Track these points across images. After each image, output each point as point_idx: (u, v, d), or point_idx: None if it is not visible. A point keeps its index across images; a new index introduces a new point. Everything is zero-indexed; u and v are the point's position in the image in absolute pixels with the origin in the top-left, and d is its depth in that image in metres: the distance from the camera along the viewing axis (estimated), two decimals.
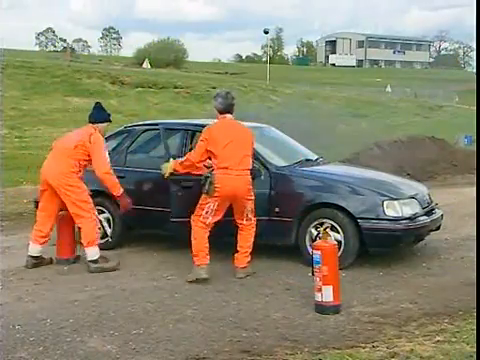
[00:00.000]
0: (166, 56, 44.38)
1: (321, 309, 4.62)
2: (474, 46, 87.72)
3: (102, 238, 6.41)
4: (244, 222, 5.59)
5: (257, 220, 5.70)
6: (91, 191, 6.06)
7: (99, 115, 6.05)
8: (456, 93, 35.90)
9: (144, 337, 4.20)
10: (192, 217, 5.52)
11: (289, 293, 5.13)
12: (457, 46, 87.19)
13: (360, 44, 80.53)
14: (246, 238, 5.62)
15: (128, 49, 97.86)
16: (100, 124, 5.97)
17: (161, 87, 25.48)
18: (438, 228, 6.36)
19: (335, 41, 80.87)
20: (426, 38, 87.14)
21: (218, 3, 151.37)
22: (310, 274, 4.89)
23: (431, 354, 3.88)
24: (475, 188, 7.00)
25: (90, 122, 5.99)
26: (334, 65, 66.63)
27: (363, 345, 4.05)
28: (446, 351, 3.91)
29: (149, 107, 22.48)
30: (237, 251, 5.61)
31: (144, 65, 38.80)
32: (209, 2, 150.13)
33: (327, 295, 4.58)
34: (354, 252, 5.76)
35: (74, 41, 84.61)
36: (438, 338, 4.16)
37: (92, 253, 5.73)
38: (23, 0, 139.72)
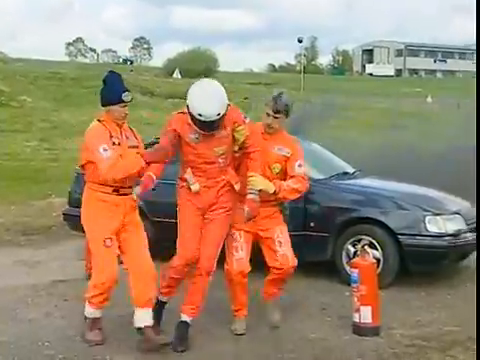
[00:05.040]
0: (197, 66, 44.41)
1: (359, 330, 4.44)
2: None
3: None
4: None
5: (291, 235, 5.50)
6: None
7: None
8: None
9: (175, 355, 4.09)
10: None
11: (325, 313, 4.94)
12: None
13: (399, 53, 79.52)
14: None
15: (159, 59, 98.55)
16: None
17: None
18: None
19: (372, 50, 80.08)
20: (470, 46, 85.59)
21: (256, 12, 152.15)
22: (347, 293, 4.71)
23: None
24: None
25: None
26: (371, 75, 65.97)
27: None
28: None
29: None
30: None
31: (175, 75, 39.06)
32: (248, 11, 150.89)
33: (365, 316, 4.41)
34: (394, 270, 5.55)
35: (103, 51, 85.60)
36: None
37: None
38: (59, 12, 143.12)
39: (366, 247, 4.65)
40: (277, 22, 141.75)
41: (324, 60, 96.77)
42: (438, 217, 5.67)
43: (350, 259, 5.27)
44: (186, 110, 4.15)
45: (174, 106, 24.82)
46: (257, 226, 4.45)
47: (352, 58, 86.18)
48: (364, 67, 77.13)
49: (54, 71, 27.10)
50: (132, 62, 67.02)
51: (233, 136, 4.23)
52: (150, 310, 4.24)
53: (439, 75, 77.32)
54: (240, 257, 4.40)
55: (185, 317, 4.30)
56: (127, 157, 4.16)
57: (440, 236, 5.59)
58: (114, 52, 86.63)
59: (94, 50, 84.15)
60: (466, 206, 6.27)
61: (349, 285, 4.62)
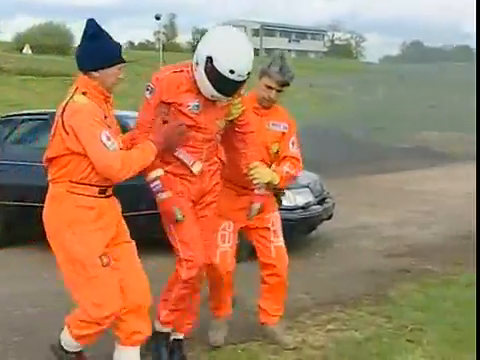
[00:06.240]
0: (50, 41, 42.09)
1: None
2: (366, 36, 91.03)
3: None
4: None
5: (151, 214, 5.47)
6: None
7: None
8: (350, 83, 37.08)
9: (25, 345, 3.92)
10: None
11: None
12: (349, 36, 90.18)
13: (255, 32, 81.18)
14: None
15: (8, 34, 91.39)
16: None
17: (46, 75, 24.25)
18: (330, 217, 6.47)
19: None
20: (321, 27, 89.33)
21: None
22: None
23: (322, 343, 3.92)
24: (368, 178, 7.20)
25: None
26: None
27: (256, 338, 4.01)
28: (336, 340, 3.97)
29: (33, 96, 21.37)
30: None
31: (25, 50, 36.95)
32: None
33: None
34: (249, 244, 5.70)
35: None
36: (329, 327, 4.22)
37: None
38: None
39: None
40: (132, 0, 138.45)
41: (184, 38, 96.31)
42: (289, 191, 5.91)
43: None
44: (187, 67, 3.20)
45: (23, 83, 23.51)
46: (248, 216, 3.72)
47: None
48: None
49: None
50: None
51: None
52: (138, 349, 3.28)
53: (293, 55, 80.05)
54: (225, 250, 3.71)
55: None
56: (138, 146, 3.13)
57: (291, 209, 5.84)
58: None
59: None
60: (314, 179, 6.60)
61: None
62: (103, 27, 3.11)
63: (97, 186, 3.06)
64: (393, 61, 71.85)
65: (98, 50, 3.04)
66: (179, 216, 3.25)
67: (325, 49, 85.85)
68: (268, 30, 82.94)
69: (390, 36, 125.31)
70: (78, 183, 3.04)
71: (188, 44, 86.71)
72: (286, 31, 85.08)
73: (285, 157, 3.69)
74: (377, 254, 6.33)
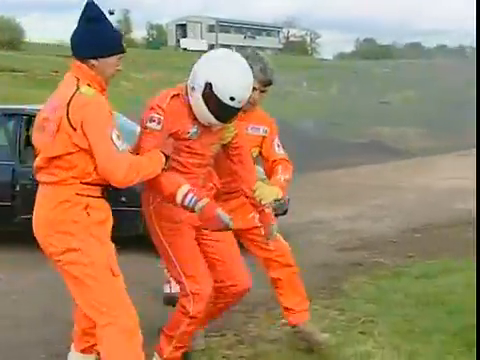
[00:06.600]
0: (0, 36, 41.15)
1: (169, 301, 4.49)
2: (320, 33, 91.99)
3: None
4: None
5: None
6: None
7: None
8: (305, 79, 37.44)
9: None
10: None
11: (141, 286, 4.94)
12: (304, 33, 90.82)
13: (211, 28, 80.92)
14: None
15: None
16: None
17: None
18: (285, 212, 6.53)
19: (185, 25, 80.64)
20: (276, 24, 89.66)
21: None
22: (159, 266, 4.78)
23: (276, 337, 3.97)
24: (324, 173, 7.29)
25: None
26: (186, 49, 66.41)
27: (213, 334, 4.02)
28: (290, 333, 3.99)
29: None
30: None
31: None
32: None
33: (176, 286, 4.48)
34: None
35: None
36: (284, 321, 4.23)
37: None
38: None
39: None
40: None
41: (139, 34, 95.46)
42: None
43: None
44: (181, 91, 3.03)
45: None
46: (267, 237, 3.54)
47: (166, 33, 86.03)
48: (179, 42, 77.48)
49: None
50: None
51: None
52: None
53: (249, 51, 79.98)
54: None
55: None
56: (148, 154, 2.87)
57: None
58: None
59: None
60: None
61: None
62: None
63: (100, 185, 2.83)
64: (347, 58, 72.84)
65: (98, 36, 2.78)
66: (227, 220, 2.92)
67: (280, 46, 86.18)
68: (223, 26, 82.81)
69: (344, 33, 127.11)
70: (89, 184, 2.78)
71: (143, 40, 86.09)
72: (241, 27, 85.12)
73: (275, 161, 3.54)
74: (330, 248, 6.43)
